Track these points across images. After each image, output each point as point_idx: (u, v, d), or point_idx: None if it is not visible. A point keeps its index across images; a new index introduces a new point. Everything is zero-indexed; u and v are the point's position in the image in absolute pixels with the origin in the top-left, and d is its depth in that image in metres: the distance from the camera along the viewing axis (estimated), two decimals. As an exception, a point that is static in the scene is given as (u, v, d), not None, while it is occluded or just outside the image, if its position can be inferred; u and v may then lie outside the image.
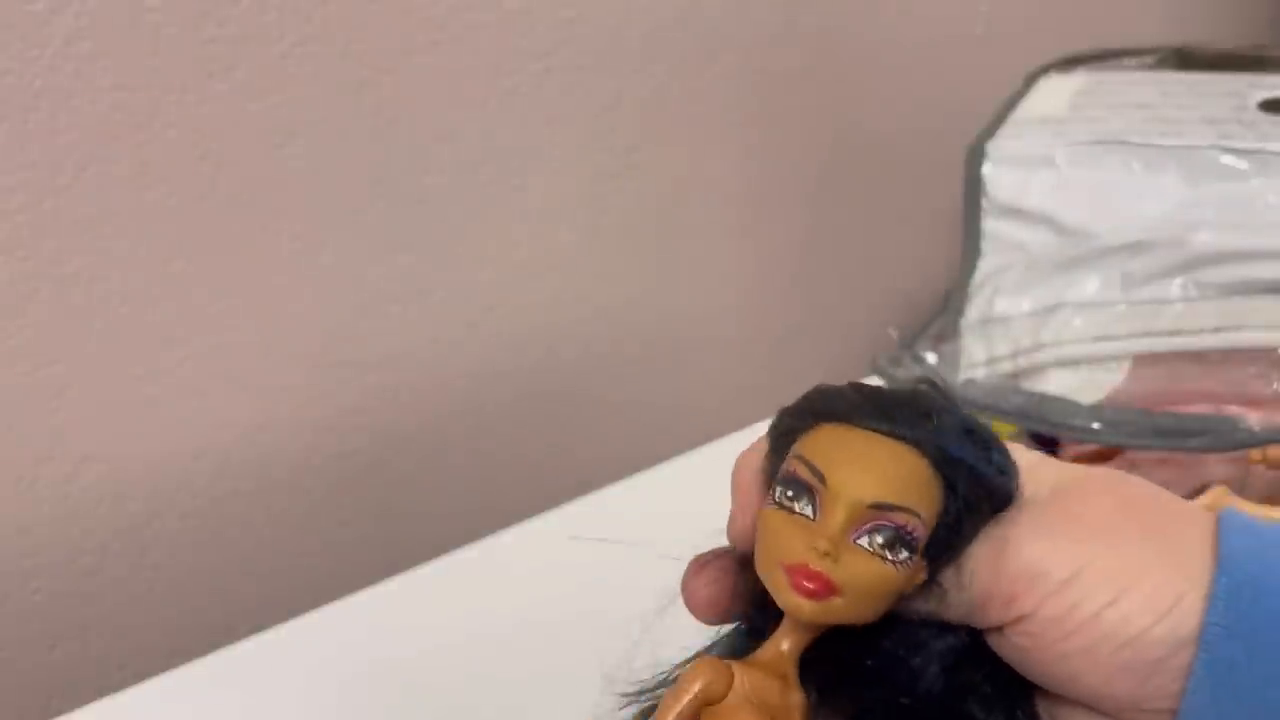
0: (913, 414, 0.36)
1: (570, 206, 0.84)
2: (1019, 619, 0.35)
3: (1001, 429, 0.71)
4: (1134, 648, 0.34)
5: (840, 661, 0.37)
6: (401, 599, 0.69)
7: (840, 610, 0.34)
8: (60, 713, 0.62)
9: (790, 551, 0.35)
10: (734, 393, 0.94)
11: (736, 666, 0.36)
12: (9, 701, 0.70)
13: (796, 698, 0.36)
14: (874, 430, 0.36)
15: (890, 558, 0.34)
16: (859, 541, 0.34)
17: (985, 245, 0.73)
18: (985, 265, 0.73)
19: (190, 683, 0.63)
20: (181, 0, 0.66)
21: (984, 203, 0.73)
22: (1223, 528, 0.35)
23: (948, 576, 0.36)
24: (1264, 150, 0.68)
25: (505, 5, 0.77)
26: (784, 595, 0.35)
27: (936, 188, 0.84)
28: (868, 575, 0.34)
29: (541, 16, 0.78)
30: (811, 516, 0.35)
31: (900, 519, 0.34)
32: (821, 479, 0.35)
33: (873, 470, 0.35)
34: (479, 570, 0.71)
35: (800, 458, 0.36)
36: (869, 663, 0.37)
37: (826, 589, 0.34)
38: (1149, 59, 0.83)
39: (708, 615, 0.39)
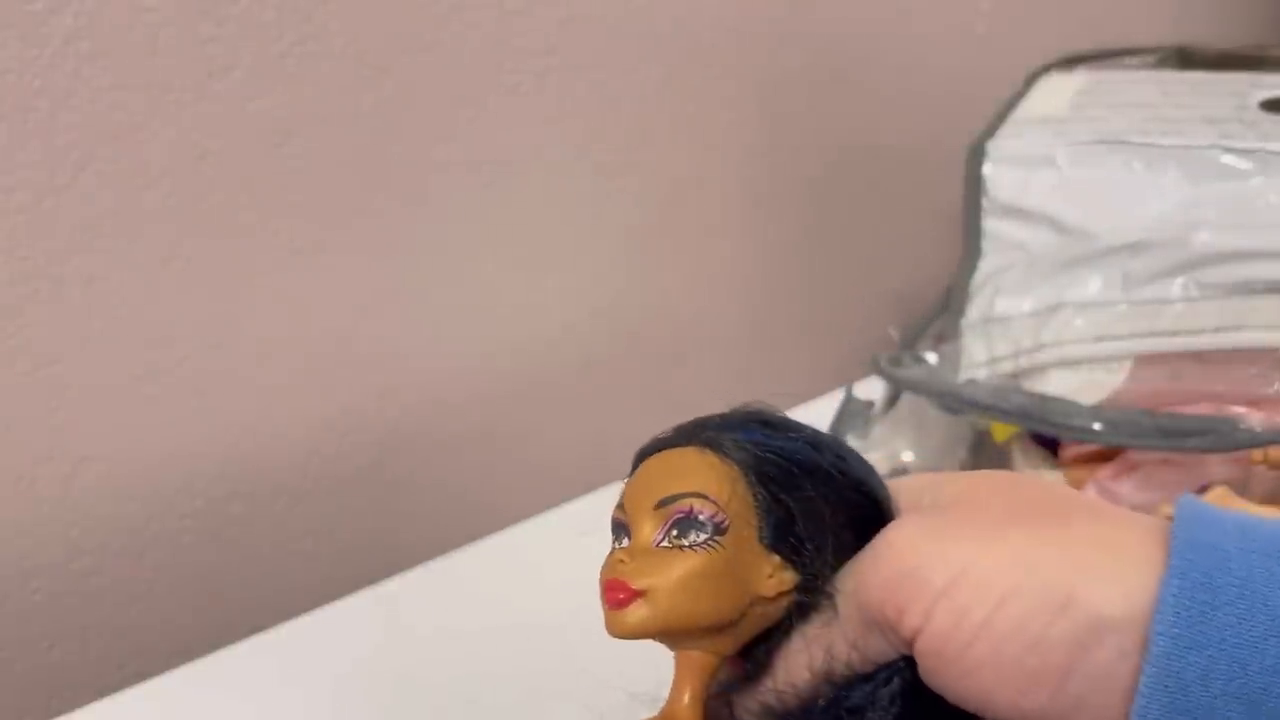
0: (704, 425, 0.38)
1: (570, 206, 0.83)
2: (915, 634, 0.34)
3: (1002, 429, 0.71)
4: (1037, 652, 0.32)
5: None
6: (401, 599, 0.69)
7: (661, 613, 0.35)
8: (60, 713, 0.62)
9: (604, 574, 0.36)
10: (734, 393, 0.94)
11: None
12: (9, 701, 0.70)
13: None
14: (665, 450, 0.37)
15: (687, 543, 0.35)
16: (661, 544, 0.35)
17: (986, 245, 0.73)
18: (986, 265, 0.73)
19: (190, 683, 0.63)
20: (180, 0, 0.65)
21: (984, 202, 0.73)
22: (1178, 526, 0.33)
23: (834, 586, 0.36)
24: (1265, 150, 0.68)
25: (505, 5, 0.77)
26: (606, 618, 0.35)
27: (936, 188, 0.84)
28: (672, 569, 0.35)
29: (541, 16, 0.78)
30: (626, 547, 0.36)
31: (685, 505, 0.35)
32: (623, 508, 0.37)
33: (654, 478, 0.37)
34: (479, 570, 0.71)
35: (618, 504, 0.37)
36: None
37: (630, 594, 0.35)
38: (1150, 58, 0.82)
39: None
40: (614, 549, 0.37)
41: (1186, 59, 0.82)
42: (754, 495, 0.36)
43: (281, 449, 0.76)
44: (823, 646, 0.36)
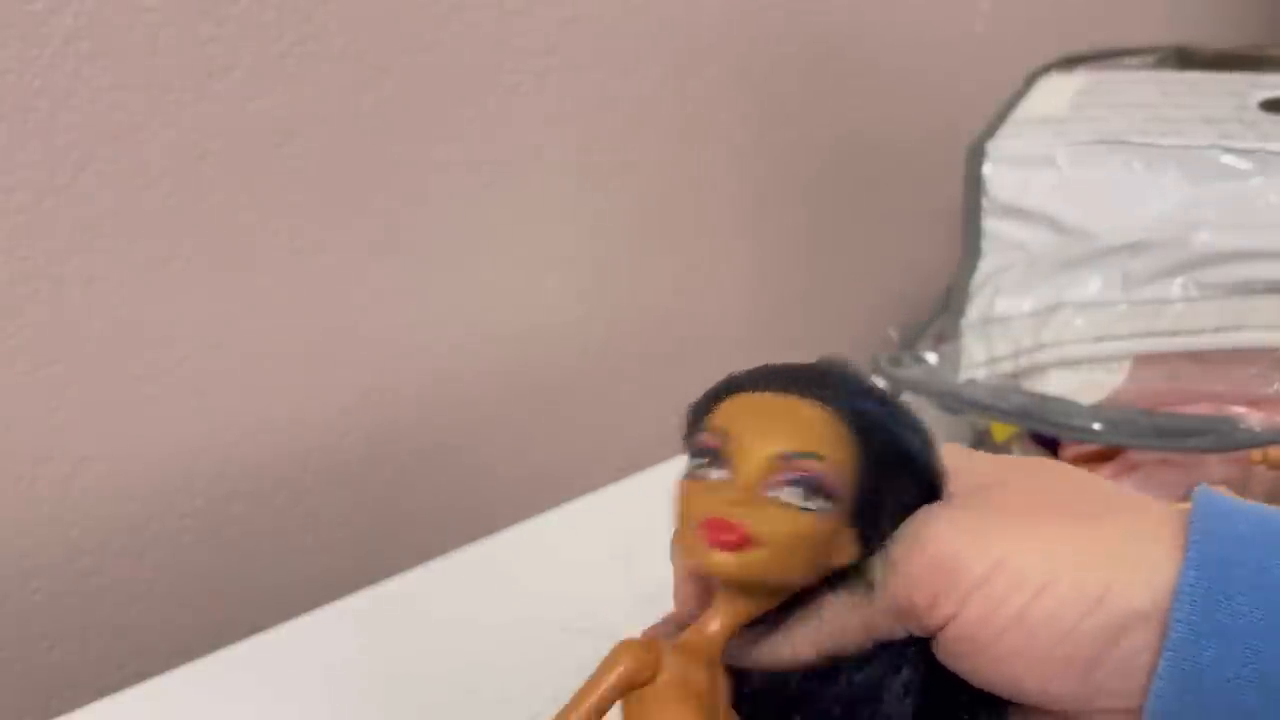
0: (814, 377, 0.37)
1: (570, 206, 0.83)
2: (947, 621, 0.34)
3: (1002, 429, 0.71)
4: (1069, 643, 0.33)
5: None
6: (401, 599, 0.69)
7: (762, 563, 0.34)
8: (60, 713, 0.62)
9: (704, 508, 0.35)
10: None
11: (665, 648, 0.35)
12: (9, 701, 0.70)
13: (723, 683, 0.36)
14: (776, 392, 0.37)
15: (804, 505, 0.34)
16: (772, 494, 0.34)
17: (986, 245, 0.73)
18: (986, 265, 0.73)
19: (190, 683, 0.63)
20: (180, 0, 0.65)
21: (984, 202, 0.73)
22: (1195, 516, 0.34)
23: (873, 568, 0.36)
24: (1265, 150, 0.68)
25: (505, 5, 0.77)
26: (702, 554, 0.34)
27: (936, 188, 0.84)
28: (785, 525, 0.34)
29: (541, 16, 0.78)
30: (725, 479, 0.35)
31: (809, 465, 0.35)
32: (726, 437, 0.35)
33: (776, 422, 0.36)
34: (478, 570, 0.71)
35: (707, 427, 0.36)
36: (837, 711, 0.37)
37: (743, 539, 0.34)
38: (1149, 58, 0.83)
39: None
40: (705, 476, 0.35)
41: (1186, 59, 0.82)
42: (862, 473, 0.36)
43: (281, 448, 0.76)
44: (841, 622, 0.36)
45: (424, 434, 0.81)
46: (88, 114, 0.64)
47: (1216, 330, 0.66)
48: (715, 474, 0.35)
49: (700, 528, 0.34)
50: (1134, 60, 0.82)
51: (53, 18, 0.62)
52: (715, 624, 0.36)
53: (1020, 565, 0.33)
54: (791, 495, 0.34)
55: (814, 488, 0.34)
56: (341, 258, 0.75)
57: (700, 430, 0.37)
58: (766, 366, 0.38)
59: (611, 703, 0.35)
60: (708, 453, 0.36)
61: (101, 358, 0.68)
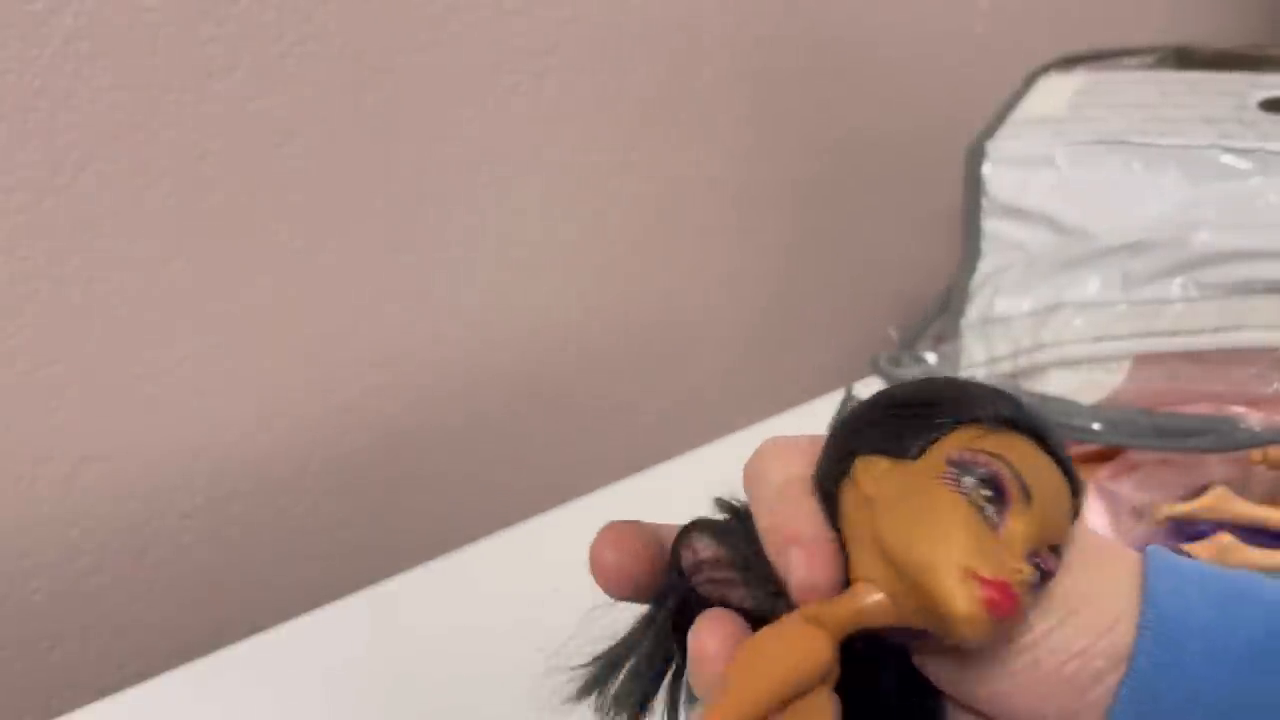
0: (1042, 422, 0.34)
1: (569, 206, 0.83)
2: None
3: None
4: (1080, 659, 0.34)
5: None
6: (401, 599, 0.69)
7: (998, 631, 0.32)
8: (60, 713, 0.62)
9: (990, 562, 0.31)
10: (733, 393, 0.94)
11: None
12: (9, 701, 0.70)
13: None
14: (1026, 437, 0.34)
15: (1037, 589, 0.33)
16: (1030, 564, 0.32)
17: (985, 245, 0.73)
18: (985, 265, 0.73)
19: (190, 683, 0.63)
20: (180, 0, 0.65)
21: (984, 203, 0.73)
22: (1149, 567, 0.35)
23: None
24: (1264, 149, 0.68)
25: (504, 5, 0.77)
26: (963, 604, 0.31)
27: (936, 188, 0.84)
28: (1029, 603, 0.33)
29: (540, 16, 0.78)
30: (994, 526, 0.32)
31: (1053, 563, 0.33)
32: (1028, 499, 0.32)
33: (1060, 507, 0.33)
34: (478, 570, 0.71)
35: (1007, 464, 0.33)
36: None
37: (1013, 611, 0.31)
38: (1149, 59, 0.82)
39: (615, 586, 0.38)
40: (983, 508, 0.32)
41: (1185, 59, 0.82)
42: None
43: (281, 448, 0.76)
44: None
45: (424, 434, 0.81)
46: (88, 114, 0.64)
47: (1216, 330, 0.66)
48: (990, 513, 0.32)
49: (978, 580, 0.31)
50: (1133, 60, 0.82)
51: (53, 18, 0.62)
52: (829, 632, 0.33)
53: (1052, 596, 0.34)
54: (1034, 578, 0.32)
55: (1047, 575, 0.33)
56: (341, 258, 0.75)
57: (984, 452, 0.33)
58: (999, 392, 0.35)
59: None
60: (997, 489, 0.33)
61: (101, 358, 0.68)
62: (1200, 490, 0.63)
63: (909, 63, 0.97)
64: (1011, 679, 0.34)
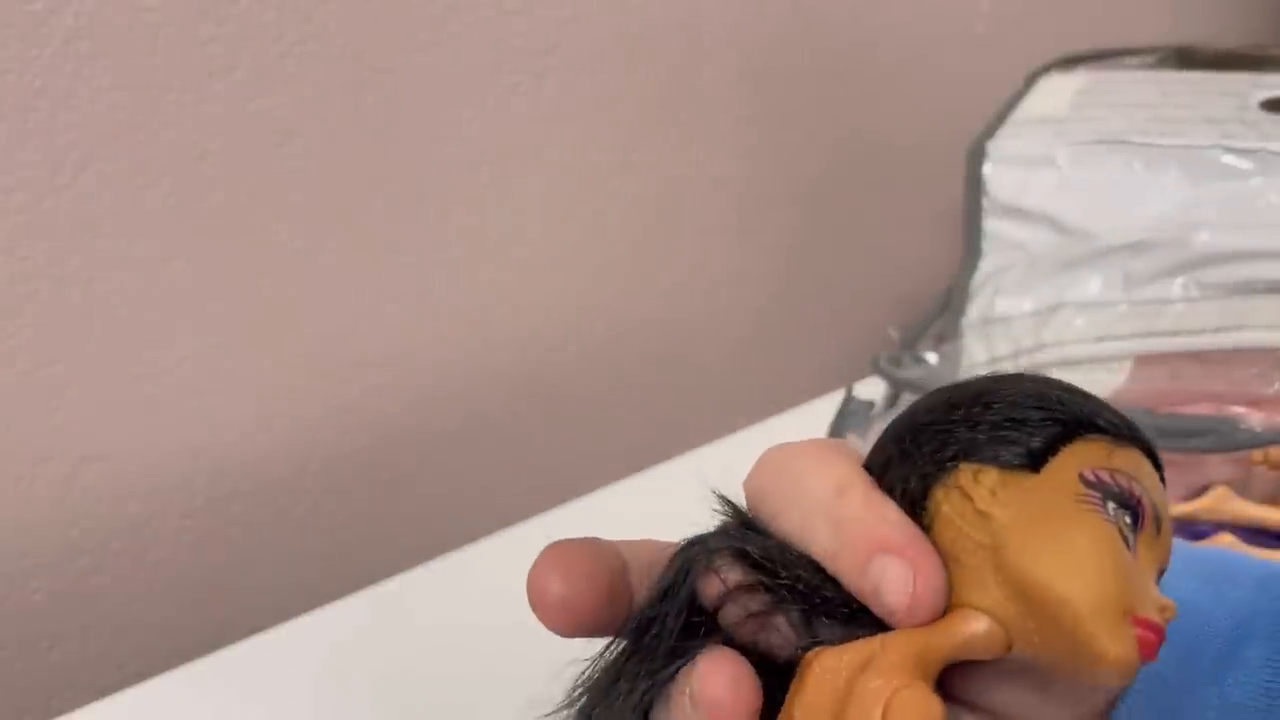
0: (1138, 433, 0.31)
1: (569, 206, 0.83)
2: None
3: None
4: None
5: None
6: (401, 599, 0.69)
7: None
8: (60, 713, 0.62)
9: (1144, 601, 0.28)
10: (733, 393, 0.94)
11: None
12: (9, 701, 0.70)
13: None
14: (1144, 452, 0.31)
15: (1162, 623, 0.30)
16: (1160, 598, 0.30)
17: (986, 245, 0.73)
18: (986, 265, 0.73)
19: (190, 683, 0.63)
20: (180, 0, 0.65)
21: (984, 202, 0.73)
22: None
23: None
24: (1265, 150, 0.68)
25: (504, 5, 0.77)
26: (1119, 647, 0.28)
27: (936, 188, 0.84)
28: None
29: (540, 16, 0.78)
30: (1133, 550, 0.29)
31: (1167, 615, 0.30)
32: (1158, 528, 0.30)
33: (1170, 534, 0.30)
34: (478, 570, 0.71)
35: (1145, 488, 0.30)
36: None
37: (1160, 639, 0.28)
38: (1150, 58, 0.82)
39: (565, 624, 0.32)
40: (1127, 534, 0.29)
41: (1186, 59, 0.82)
42: None
43: (281, 448, 0.76)
44: None
45: (424, 434, 0.81)
46: (88, 114, 0.64)
47: (1217, 330, 0.66)
48: (1131, 539, 0.29)
49: (1139, 623, 0.28)
50: (1134, 60, 0.82)
51: (53, 18, 0.62)
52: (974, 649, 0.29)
53: None
54: (1175, 614, 0.30)
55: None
56: (341, 258, 0.75)
57: (1120, 473, 0.29)
58: (1105, 405, 0.31)
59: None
60: (1135, 515, 0.29)
61: (101, 358, 0.68)
62: (1201, 490, 0.63)
63: (909, 62, 0.97)
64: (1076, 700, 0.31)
